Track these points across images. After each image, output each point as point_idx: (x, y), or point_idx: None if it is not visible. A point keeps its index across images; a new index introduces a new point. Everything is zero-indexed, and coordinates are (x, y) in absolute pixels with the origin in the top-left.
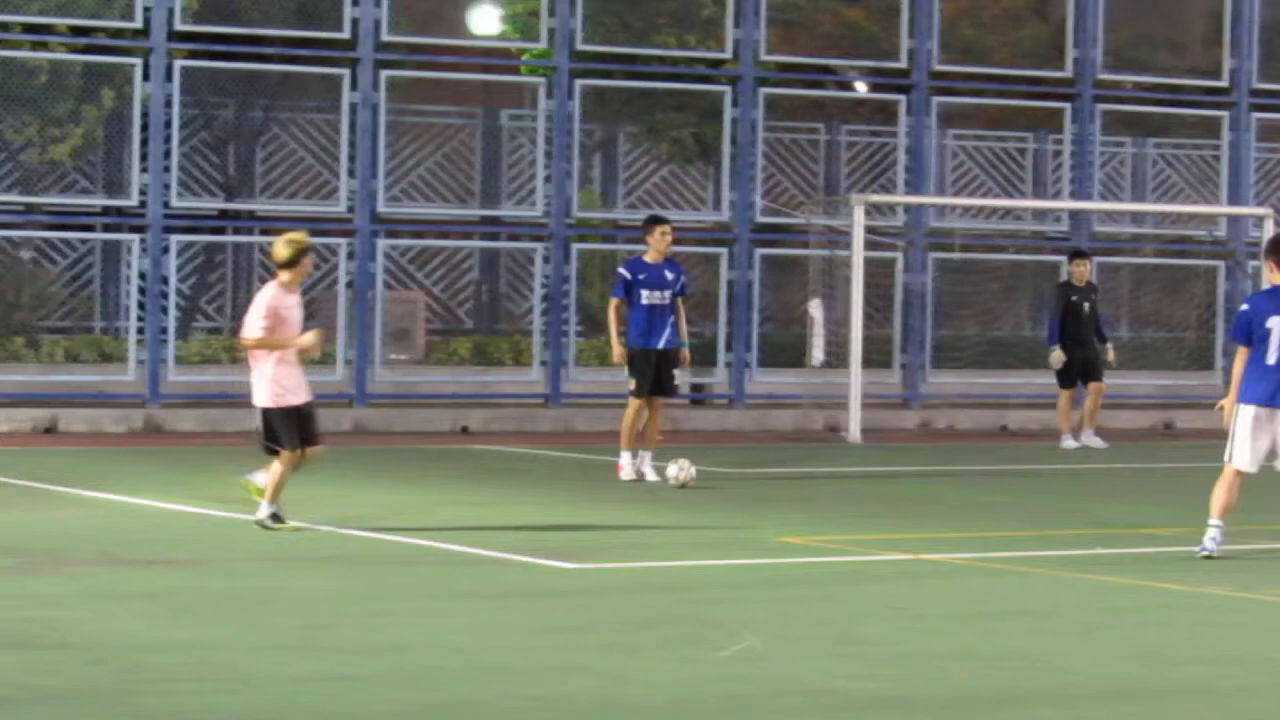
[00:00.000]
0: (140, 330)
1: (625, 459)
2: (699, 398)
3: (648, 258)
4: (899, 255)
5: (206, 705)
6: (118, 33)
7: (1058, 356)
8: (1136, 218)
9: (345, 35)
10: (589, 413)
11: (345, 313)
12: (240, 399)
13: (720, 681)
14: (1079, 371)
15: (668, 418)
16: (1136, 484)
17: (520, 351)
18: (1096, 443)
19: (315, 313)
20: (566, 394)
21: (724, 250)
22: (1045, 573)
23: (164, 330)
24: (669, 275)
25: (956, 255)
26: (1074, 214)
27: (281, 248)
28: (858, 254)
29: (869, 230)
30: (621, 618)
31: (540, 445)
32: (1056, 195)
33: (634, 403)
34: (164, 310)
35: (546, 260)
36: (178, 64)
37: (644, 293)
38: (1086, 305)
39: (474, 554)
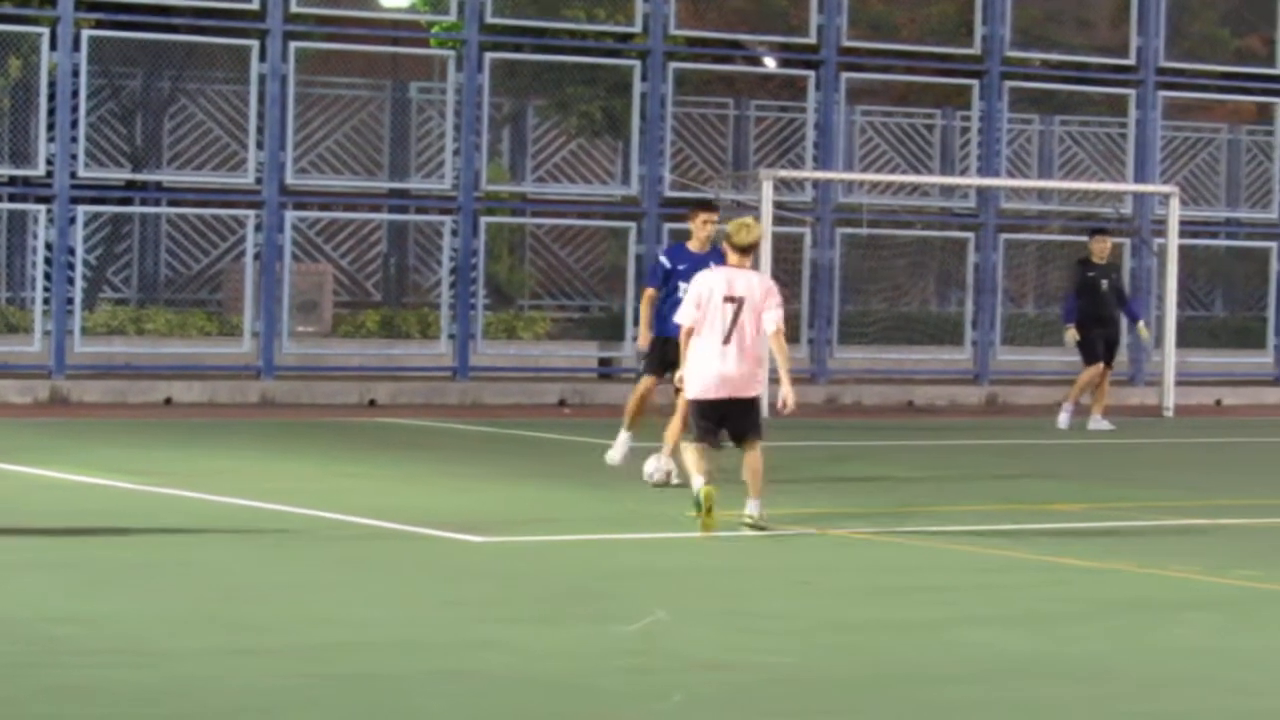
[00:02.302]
0: (46, 301)
1: (621, 438)
2: (607, 371)
3: (691, 246)
4: (807, 231)
5: (112, 678)
6: (24, 1)
7: (1071, 335)
8: (1043, 195)
9: (254, 6)
10: (497, 386)
11: (252, 285)
12: (147, 370)
13: (627, 655)
14: (1103, 351)
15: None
16: (1042, 460)
17: (428, 324)
18: (1104, 425)
19: (221, 284)
20: (474, 367)
21: (632, 225)
22: (951, 548)
23: (70, 301)
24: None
25: (864, 231)
26: (981, 190)
27: (745, 234)
28: (766, 229)
29: (777, 205)
30: (529, 592)
31: (448, 418)
32: (964, 172)
33: (643, 381)
34: (70, 281)
35: (455, 233)
36: (85, 33)
37: (683, 285)
38: (1105, 283)
39: (381, 527)
